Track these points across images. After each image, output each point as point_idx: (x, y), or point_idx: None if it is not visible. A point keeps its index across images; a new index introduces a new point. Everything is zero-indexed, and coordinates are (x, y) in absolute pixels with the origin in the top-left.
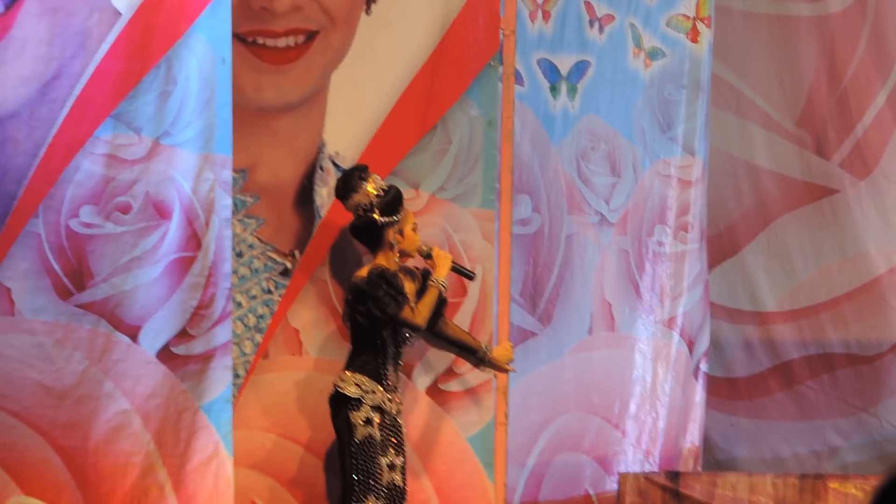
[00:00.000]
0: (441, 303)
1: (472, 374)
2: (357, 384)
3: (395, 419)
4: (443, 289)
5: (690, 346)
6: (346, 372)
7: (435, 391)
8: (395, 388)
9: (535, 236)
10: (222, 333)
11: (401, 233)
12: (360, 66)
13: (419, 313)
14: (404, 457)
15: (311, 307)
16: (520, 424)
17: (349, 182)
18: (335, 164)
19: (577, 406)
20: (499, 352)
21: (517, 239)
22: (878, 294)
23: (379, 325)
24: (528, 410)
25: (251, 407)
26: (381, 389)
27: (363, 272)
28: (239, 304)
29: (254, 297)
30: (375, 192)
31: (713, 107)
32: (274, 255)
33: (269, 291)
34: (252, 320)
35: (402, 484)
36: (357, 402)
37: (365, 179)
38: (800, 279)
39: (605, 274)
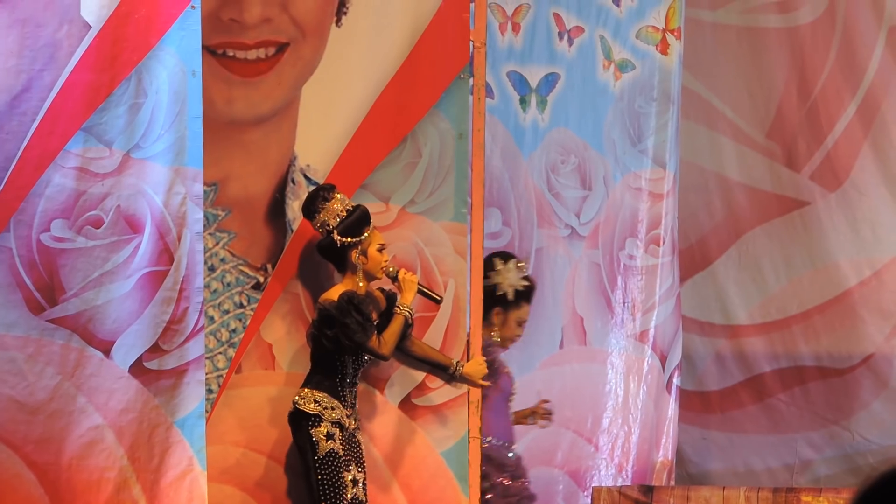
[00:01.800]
0: (407, 327)
1: (444, 389)
2: (316, 401)
3: (354, 435)
4: (409, 316)
5: (662, 359)
6: (305, 389)
7: (408, 406)
8: (353, 404)
9: (505, 249)
10: (195, 348)
11: (364, 254)
12: (330, 79)
13: (385, 343)
14: (364, 472)
15: (283, 321)
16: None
17: (313, 202)
18: (307, 177)
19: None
20: (472, 367)
21: (488, 252)
22: (850, 306)
23: (343, 349)
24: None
25: (225, 422)
26: (340, 406)
27: (332, 295)
28: (211, 319)
29: (226, 312)
30: (338, 213)
31: (683, 119)
32: (246, 269)
33: (242, 306)
34: (225, 335)
35: (363, 498)
36: (317, 419)
37: (329, 199)
38: (771, 292)
39: (577, 287)
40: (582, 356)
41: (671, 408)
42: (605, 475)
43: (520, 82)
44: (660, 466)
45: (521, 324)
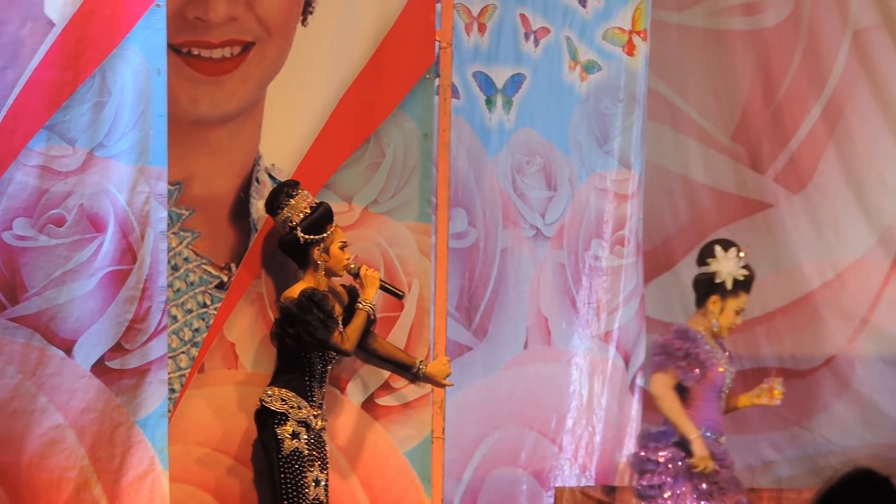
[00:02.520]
0: (370, 323)
1: (408, 389)
2: (282, 399)
3: (320, 435)
4: (371, 311)
5: (626, 360)
6: (272, 387)
7: (371, 406)
8: (321, 405)
9: (470, 250)
10: (158, 347)
11: (327, 251)
12: (295, 78)
13: (348, 339)
14: (328, 474)
15: (247, 321)
16: (456, 439)
17: (276, 198)
18: (271, 177)
19: (513, 420)
20: (435, 366)
21: (452, 253)
22: (812, 308)
23: (307, 347)
24: (464, 425)
25: (187, 421)
26: (307, 405)
27: (293, 293)
28: (174, 318)
29: (189, 311)
30: (301, 210)
31: (649, 120)
32: (210, 269)
33: (205, 305)
34: (188, 334)
35: (325, 499)
36: (283, 417)
37: (292, 196)
38: None
39: (541, 288)
40: (546, 357)
41: (634, 408)
42: (569, 475)
43: (486, 83)
44: (623, 467)
45: (738, 313)
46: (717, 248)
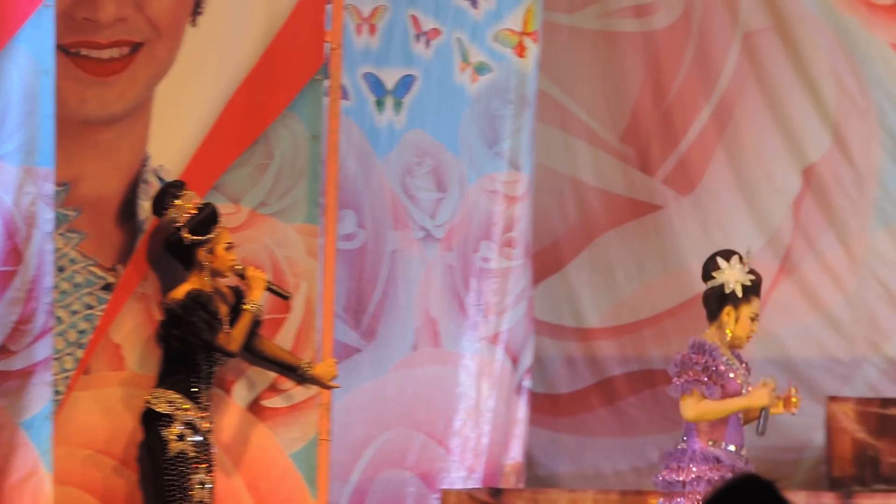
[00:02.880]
0: (256, 324)
1: (295, 391)
2: (169, 401)
3: (207, 437)
4: (257, 312)
5: (514, 362)
6: (158, 389)
7: (257, 408)
8: (207, 406)
9: (359, 252)
10: (43, 349)
11: (212, 252)
12: (184, 79)
13: (234, 339)
14: (214, 476)
15: (133, 322)
16: (343, 441)
17: (162, 199)
18: (159, 178)
19: (401, 422)
20: (322, 368)
21: (341, 254)
22: (700, 310)
23: (193, 348)
24: (351, 427)
25: (72, 423)
26: (194, 407)
27: (178, 294)
28: (60, 320)
29: (75, 313)
30: (187, 211)
31: (539, 122)
32: (96, 270)
33: (91, 307)
34: (73, 336)
35: (210, 502)
36: (168, 419)
37: (178, 197)
38: (623, 295)
39: (430, 290)
40: (435, 358)
41: (521, 410)
42: (456, 477)
43: (376, 84)
44: (509, 469)
45: (754, 319)
46: (720, 260)
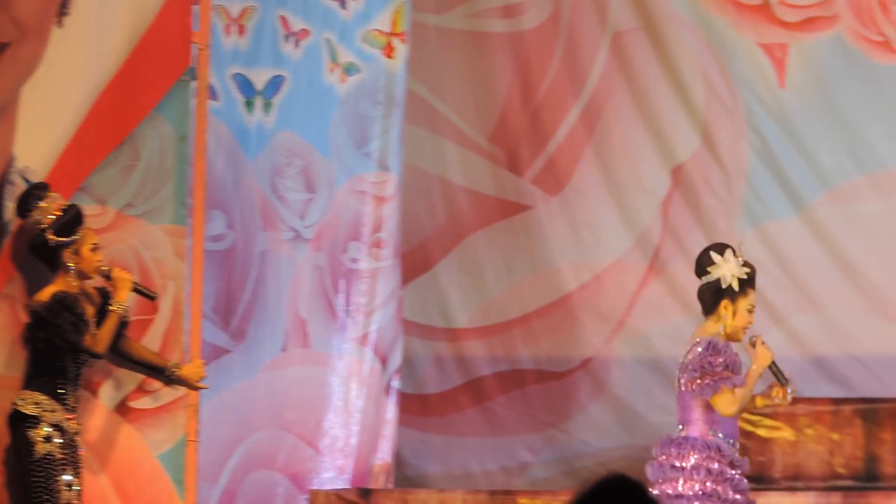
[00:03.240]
0: (122, 325)
1: (163, 392)
2: (36, 403)
3: (74, 439)
4: (123, 313)
5: (383, 362)
6: (26, 391)
7: (125, 409)
8: (75, 408)
9: (228, 252)
10: None
11: (77, 253)
12: (50, 80)
13: (100, 341)
14: (81, 477)
15: None
16: (212, 442)
17: (26, 201)
18: (24, 179)
19: (271, 423)
20: (189, 370)
21: (210, 255)
22: (569, 310)
23: (59, 350)
24: (220, 428)
25: None
26: (61, 409)
27: (43, 296)
28: None
29: None
30: (51, 212)
31: (408, 123)
32: None
33: None
34: None
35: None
36: (35, 420)
37: (42, 198)
38: (492, 295)
39: (300, 290)
40: (304, 359)
41: (390, 411)
42: (325, 478)
43: (245, 85)
44: (378, 469)
45: (751, 311)
46: (714, 255)
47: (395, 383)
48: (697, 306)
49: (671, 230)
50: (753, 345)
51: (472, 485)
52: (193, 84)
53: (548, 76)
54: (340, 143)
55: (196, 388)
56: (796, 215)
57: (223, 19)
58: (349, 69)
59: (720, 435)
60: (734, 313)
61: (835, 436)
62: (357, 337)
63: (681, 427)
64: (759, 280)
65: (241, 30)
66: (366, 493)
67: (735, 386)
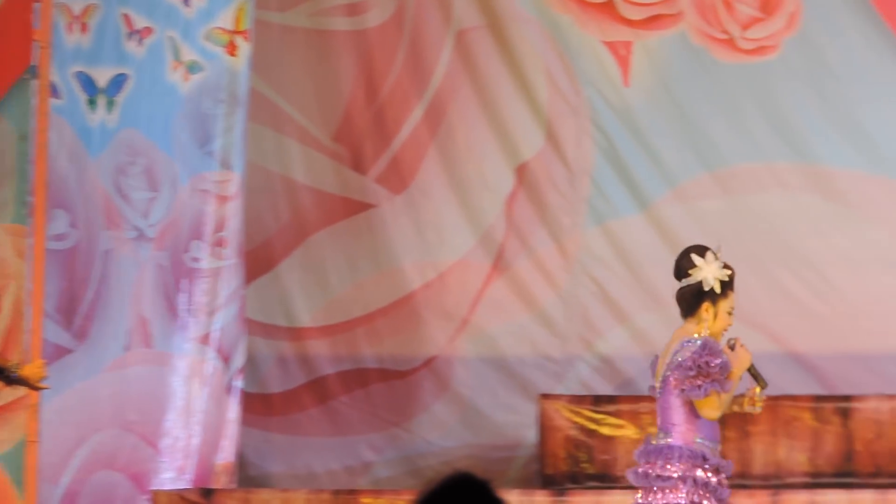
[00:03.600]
0: None
1: (3, 392)
2: None
3: None
4: None
5: (226, 362)
6: None
7: None
8: None
9: (71, 252)
10: None
11: None
12: None
13: None
14: None
15: None
16: (54, 443)
17: None
18: None
19: (113, 423)
20: (30, 370)
21: (53, 254)
22: (413, 309)
23: None
24: (62, 428)
25: None
26: None
27: None
28: None
29: None
30: None
31: (251, 122)
32: None
33: None
34: None
35: None
36: None
37: None
38: (335, 294)
39: (143, 290)
40: (147, 359)
41: (233, 410)
42: (166, 478)
43: (88, 83)
44: (221, 469)
45: (730, 313)
46: (695, 257)
47: (238, 383)
48: (542, 305)
49: (515, 229)
50: (732, 347)
51: (316, 484)
52: (35, 82)
53: (391, 74)
54: (184, 141)
55: (37, 389)
56: (640, 213)
57: (65, 17)
58: (192, 67)
59: (704, 440)
60: (715, 315)
61: None
62: (199, 336)
63: (664, 434)
64: (603, 278)
65: (84, 27)
66: (208, 492)
67: (722, 390)
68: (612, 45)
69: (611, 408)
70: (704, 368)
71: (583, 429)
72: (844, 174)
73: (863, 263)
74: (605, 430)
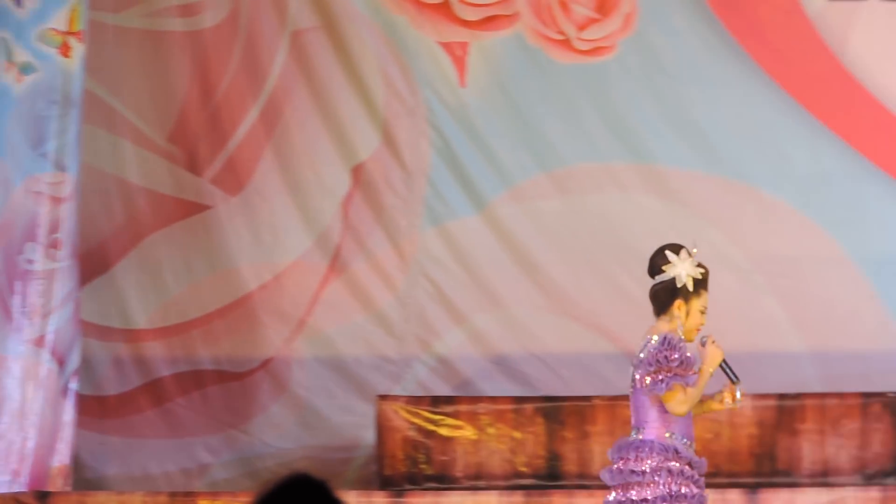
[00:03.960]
0: None
1: None
2: None
3: None
4: None
5: (61, 364)
6: None
7: None
8: None
9: None
10: None
11: None
12: None
13: None
14: None
15: None
16: None
17: None
18: None
19: None
20: None
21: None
22: (249, 310)
23: None
24: None
25: None
26: None
27: None
28: None
29: None
30: None
31: (85, 123)
32: None
33: None
34: None
35: None
36: None
37: None
38: (171, 296)
39: None
40: None
41: (68, 413)
42: (2, 481)
43: None
44: (56, 472)
45: (703, 311)
46: (669, 254)
47: (73, 385)
48: (380, 306)
49: (352, 230)
50: (704, 344)
51: (152, 486)
52: None
53: (227, 75)
54: (16, 143)
55: None
56: (477, 214)
57: None
58: (25, 69)
59: (677, 436)
60: (688, 313)
61: (517, 434)
62: (33, 339)
63: (636, 431)
64: (440, 279)
65: None
66: (43, 495)
67: (687, 385)
68: (448, 46)
69: (449, 408)
70: (664, 363)
71: (421, 429)
72: (681, 174)
73: None
74: (443, 431)
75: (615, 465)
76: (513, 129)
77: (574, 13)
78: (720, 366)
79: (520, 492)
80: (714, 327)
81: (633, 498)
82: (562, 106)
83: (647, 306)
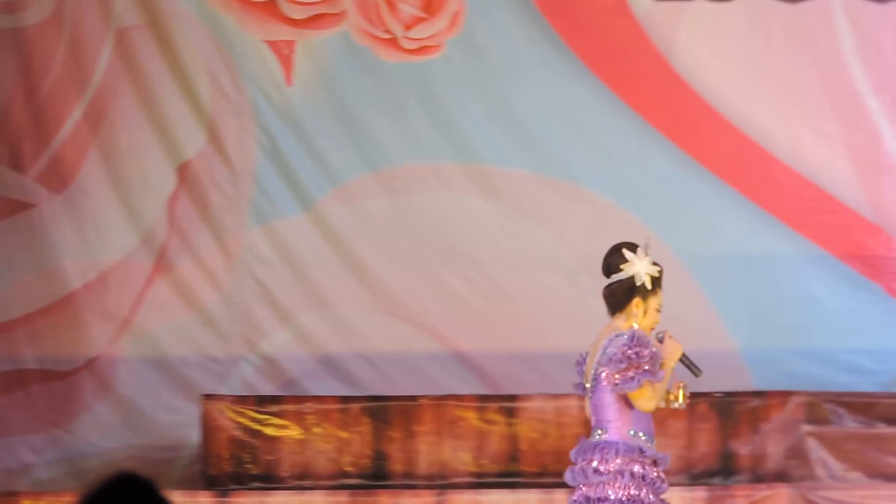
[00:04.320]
0: None
1: None
2: None
3: None
4: None
5: None
6: None
7: None
8: None
9: None
10: None
11: None
12: None
13: None
14: None
15: None
16: None
17: None
18: None
19: None
20: None
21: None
22: (74, 309)
23: None
24: None
25: None
26: None
27: None
28: None
29: None
30: None
31: None
32: None
33: None
34: None
35: None
36: None
37: None
38: None
39: None
40: None
41: None
42: None
43: None
44: None
45: (659, 310)
46: (627, 253)
47: None
48: (205, 305)
49: (177, 228)
50: (661, 340)
51: None
52: None
53: (51, 73)
54: None
55: None
56: (304, 213)
57: None
58: None
59: (640, 434)
60: (645, 311)
61: (343, 434)
62: None
63: (599, 431)
64: (266, 278)
65: None
66: None
67: (655, 382)
68: (274, 45)
69: (274, 408)
70: (635, 359)
71: (246, 429)
72: (507, 174)
73: (526, 263)
74: (268, 431)
75: (577, 466)
76: (340, 129)
77: (401, 12)
78: (680, 360)
79: (346, 491)
80: (540, 327)
81: (591, 496)
82: (389, 105)
83: (475, 306)
